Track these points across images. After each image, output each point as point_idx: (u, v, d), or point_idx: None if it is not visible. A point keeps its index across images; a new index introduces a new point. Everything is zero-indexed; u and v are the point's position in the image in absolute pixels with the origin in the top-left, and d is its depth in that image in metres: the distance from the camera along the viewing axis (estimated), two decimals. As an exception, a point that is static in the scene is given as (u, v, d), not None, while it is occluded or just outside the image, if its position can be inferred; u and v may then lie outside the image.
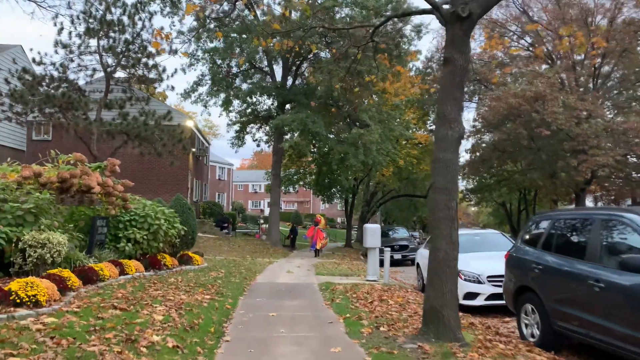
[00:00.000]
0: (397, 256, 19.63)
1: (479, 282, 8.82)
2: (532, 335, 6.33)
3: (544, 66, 26.36)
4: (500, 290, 8.51)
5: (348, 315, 7.19)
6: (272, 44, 10.42)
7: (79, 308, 6.03)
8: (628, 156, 23.36)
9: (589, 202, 31.51)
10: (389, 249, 12.87)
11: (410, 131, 26.36)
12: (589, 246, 5.49)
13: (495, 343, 5.85)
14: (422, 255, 12.26)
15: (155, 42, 14.08)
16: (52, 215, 8.28)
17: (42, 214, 7.99)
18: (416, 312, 7.49)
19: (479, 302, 8.71)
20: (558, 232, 6.26)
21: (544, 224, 6.63)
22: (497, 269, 8.78)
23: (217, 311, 7.13)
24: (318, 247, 22.11)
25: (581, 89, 24.66)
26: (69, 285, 6.94)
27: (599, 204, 37.37)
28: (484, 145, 28.55)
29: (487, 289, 8.76)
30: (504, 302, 8.29)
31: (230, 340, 5.70)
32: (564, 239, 6.15)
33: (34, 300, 5.70)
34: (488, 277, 8.84)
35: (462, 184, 34.18)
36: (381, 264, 12.46)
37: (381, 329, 6.36)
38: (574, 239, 6.01)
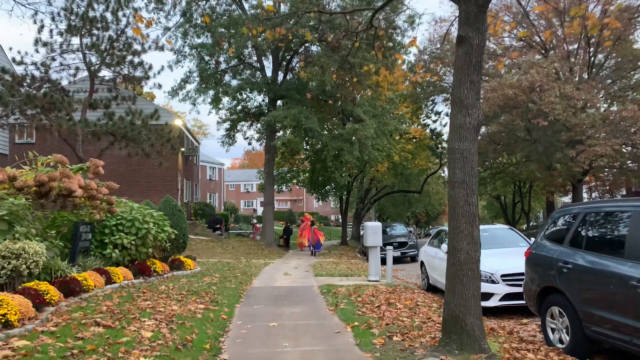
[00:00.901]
0: (396, 254, 19.08)
1: (493, 282, 8.22)
2: (561, 341, 5.74)
3: (537, 57, 25.93)
4: (515, 289, 8.01)
5: (356, 323, 6.55)
6: (262, 34, 9.73)
7: (56, 327, 5.35)
8: (624, 145, 23.00)
9: (583, 194, 31.18)
10: (389, 247, 12.28)
11: (404, 125, 25.73)
12: (628, 242, 4.89)
13: (524, 352, 5.25)
14: (427, 254, 11.74)
15: (135, 28, 13.28)
16: (28, 222, 7.55)
17: (17, 221, 7.27)
18: (429, 318, 6.88)
19: (492, 302, 8.12)
20: (589, 227, 5.64)
21: (570, 218, 6.03)
22: (512, 267, 8.27)
23: (212, 323, 6.47)
24: (322, 243, 21.81)
25: (576, 79, 24.29)
26: (47, 300, 6.24)
27: (594, 194, 37.18)
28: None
29: (502, 288, 8.17)
30: (520, 302, 7.77)
31: (228, 358, 5.04)
32: (597, 235, 5.53)
33: (3, 320, 5.01)
34: (502, 275, 8.25)
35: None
36: (382, 262, 11.89)
37: (394, 338, 5.74)
38: (610, 234, 5.40)
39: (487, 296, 8.08)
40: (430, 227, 73.65)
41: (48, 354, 4.38)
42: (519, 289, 7.62)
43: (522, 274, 7.56)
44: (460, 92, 5.33)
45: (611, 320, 4.92)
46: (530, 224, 37.20)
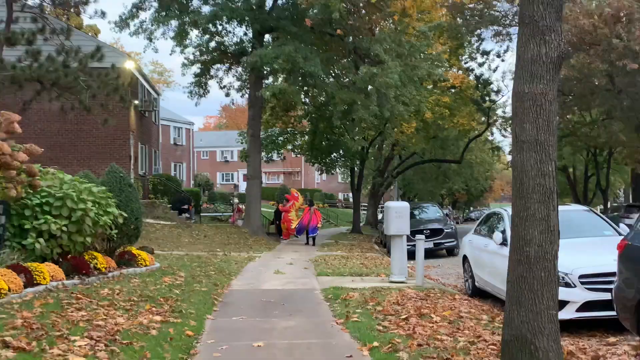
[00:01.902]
0: (429, 245, 18.80)
1: (567, 285, 7.92)
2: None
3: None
4: (599, 296, 7.75)
5: (375, 343, 6.28)
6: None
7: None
8: None
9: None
10: (420, 236, 12.02)
11: (440, 70, 25.20)
12: None
13: (618, 388, 4.92)
14: (473, 246, 11.64)
15: None
16: None
17: None
18: (480, 336, 6.58)
19: (567, 314, 7.81)
20: None
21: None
22: (594, 265, 8.10)
23: (171, 343, 6.18)
24: (319, 225, 22.61)
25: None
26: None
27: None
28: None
29: (580, 294, 7.91)
30: (606, 314, 7.50)
31: (192, 396, 4.73)
32: None
33: None
34: (581, 276, 7.98)
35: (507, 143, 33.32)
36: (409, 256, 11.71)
37: (431, 367, 5.42)
38: None
39: (560, 305, 7.75)
40: (472, 208, 73.82)
41: None
42: (606, 295, 7.34)
43: (610, 274, 7.32)
44: (531, 8, 4.86)
45: None
46: (609, 205, 36.97)
